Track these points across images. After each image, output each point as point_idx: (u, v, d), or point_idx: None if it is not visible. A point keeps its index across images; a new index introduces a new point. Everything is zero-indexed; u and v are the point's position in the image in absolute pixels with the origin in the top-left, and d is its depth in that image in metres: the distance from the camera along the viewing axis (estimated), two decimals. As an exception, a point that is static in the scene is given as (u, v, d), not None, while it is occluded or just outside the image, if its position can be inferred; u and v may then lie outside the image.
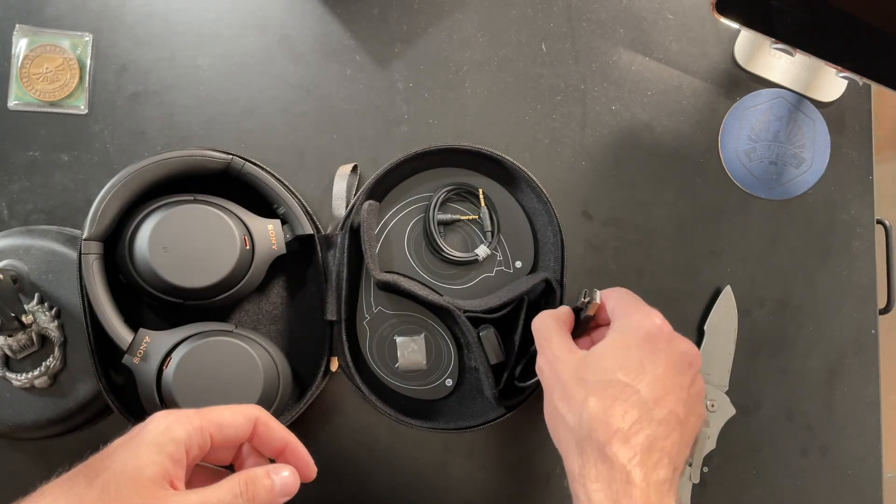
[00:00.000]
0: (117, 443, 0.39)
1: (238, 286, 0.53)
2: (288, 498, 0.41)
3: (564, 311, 0.52)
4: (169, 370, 0.49)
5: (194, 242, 0.50)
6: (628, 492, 0.38)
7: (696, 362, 0.46)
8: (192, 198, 0.52)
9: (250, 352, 0.51)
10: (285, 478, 0.41)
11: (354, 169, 0.62)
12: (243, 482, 0.39)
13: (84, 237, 0.50)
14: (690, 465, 0.64)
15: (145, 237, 0.50)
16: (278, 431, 0.43)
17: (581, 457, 0.41)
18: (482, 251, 0.61)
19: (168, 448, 0.37)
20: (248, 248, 0.53)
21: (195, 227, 0.50)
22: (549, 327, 0.49)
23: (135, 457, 0.37)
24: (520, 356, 0.57)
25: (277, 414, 0.53)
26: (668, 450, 0.41)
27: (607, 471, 0.39)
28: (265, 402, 0.51)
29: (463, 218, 0.62)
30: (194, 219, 0.51)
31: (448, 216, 0.61)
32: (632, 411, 0.41)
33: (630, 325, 0.46)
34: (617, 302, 0.49)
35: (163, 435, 0.38)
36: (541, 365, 0.48)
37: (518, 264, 0.62)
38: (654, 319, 0.46)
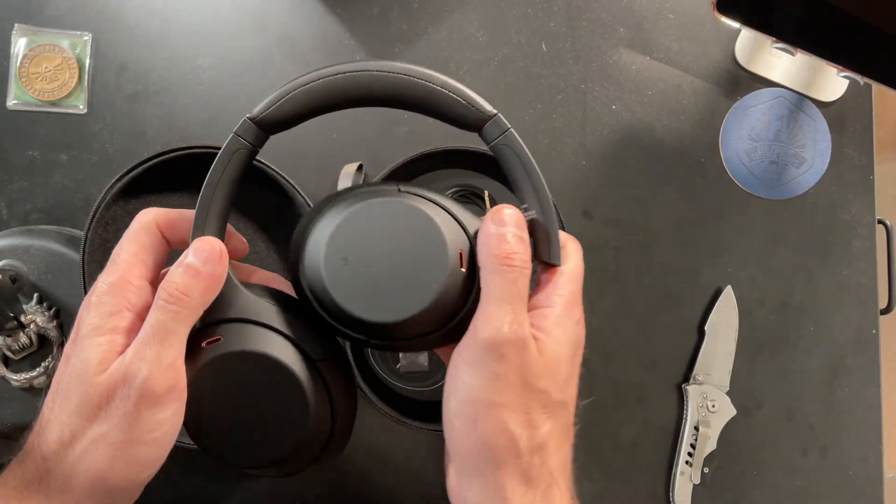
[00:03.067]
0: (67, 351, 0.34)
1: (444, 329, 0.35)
2: (221, 264, 0.34)
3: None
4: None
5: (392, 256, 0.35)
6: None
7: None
8: (395, 187, 0.36)
9: None
10: (202, 245, 0.33)
11: (360, 168, 0.62)
12: (161, 290, 0.32)
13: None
14: (691, 465, 0.64)
15: (323, 241, 0.35)
16: (183, 216, 0.36)
17: (523, 484, 0.32)
18: (483, 251, 0.61)
19: (108, 325, 0.32)
20: (462, 269, 0.34)
21: (396, 231, 0.35)
22: (524, 276, 0.33)
23: (78, 354, 0.33)
24: None
25: None
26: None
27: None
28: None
29: (466, 219, 0.61)
30: (395, 219, 0.35)
31: (451, 217, 0.61)
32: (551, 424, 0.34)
33: (570, 327, 0.35)
34: (568, 286, 0.35)
35: (98, 316, 0.33)
36: (512, 332, 0.31)
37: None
38: (582, 328, 0.36)
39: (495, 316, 0.31)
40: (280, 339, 0.34)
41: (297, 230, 0.36)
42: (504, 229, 0.33)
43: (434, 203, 0.35)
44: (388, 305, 0.34)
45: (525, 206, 0.35)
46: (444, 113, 0.35)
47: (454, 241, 0.34)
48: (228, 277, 0.34)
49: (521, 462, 0.32)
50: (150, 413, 0.31)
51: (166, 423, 0.32)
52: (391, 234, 0.34)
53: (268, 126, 0.35)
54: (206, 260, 0.33)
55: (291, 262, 0.37)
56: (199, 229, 0.34)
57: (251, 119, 0.35)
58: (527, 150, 0.34)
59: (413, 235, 0.34)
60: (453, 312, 0.34)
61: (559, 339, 0.33)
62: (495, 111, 0.34)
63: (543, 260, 0.34)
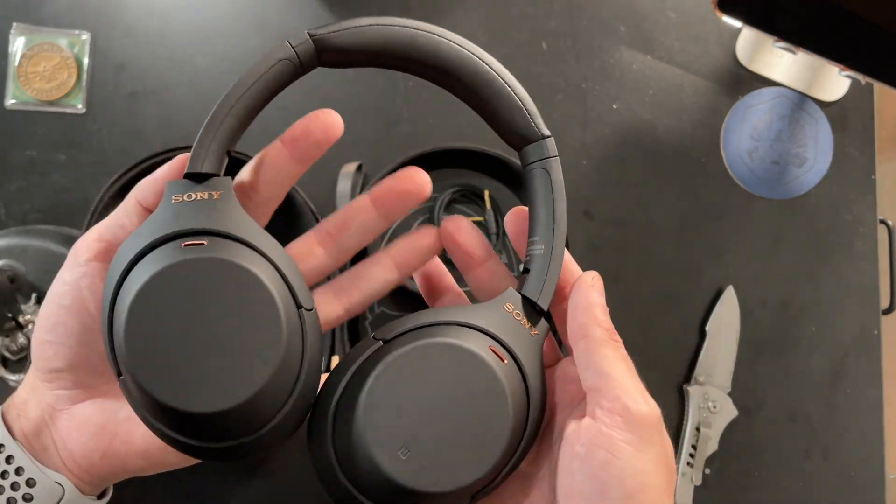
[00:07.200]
0: None
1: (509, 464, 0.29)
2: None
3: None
4: None
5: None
6: None
7: None
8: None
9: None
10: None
11: (359, 168, 0.61)
12: None
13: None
14: (692, 466, 0.64)
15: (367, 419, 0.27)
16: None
17: None
18: (483, 252, 0.61)
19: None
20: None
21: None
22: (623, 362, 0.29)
23: None
24: None
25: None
26: None
27: None
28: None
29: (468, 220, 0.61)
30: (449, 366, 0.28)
31: (451, 217, 0.61)
32: None
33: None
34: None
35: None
36: (657, 407, 0.28)
37: (523, 267, 0.62)
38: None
39: (637, 390, 0.28)
40: (272, 269, 0.27)
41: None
42: (602, 300, 0.30)
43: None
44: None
45: (535, 238, 0.31)
46: (497, 114, 0.32)
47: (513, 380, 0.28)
48: (230, 193, 0.29)
49: None
50: None
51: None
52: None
53: (323, 48, 0.30)
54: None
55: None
56: (208, 137, 0.29)
57: (311, 34, 0.30)
58: (563, 184, 0.31)
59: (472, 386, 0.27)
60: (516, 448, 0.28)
61: None
62: (550, 133, 0.31)
63: (529, 298, 0.30)
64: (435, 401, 0.27)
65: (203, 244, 0.27)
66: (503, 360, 0.28)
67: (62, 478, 0.30)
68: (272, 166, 0.32)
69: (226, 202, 0.28)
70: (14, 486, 0.30)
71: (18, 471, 0.30)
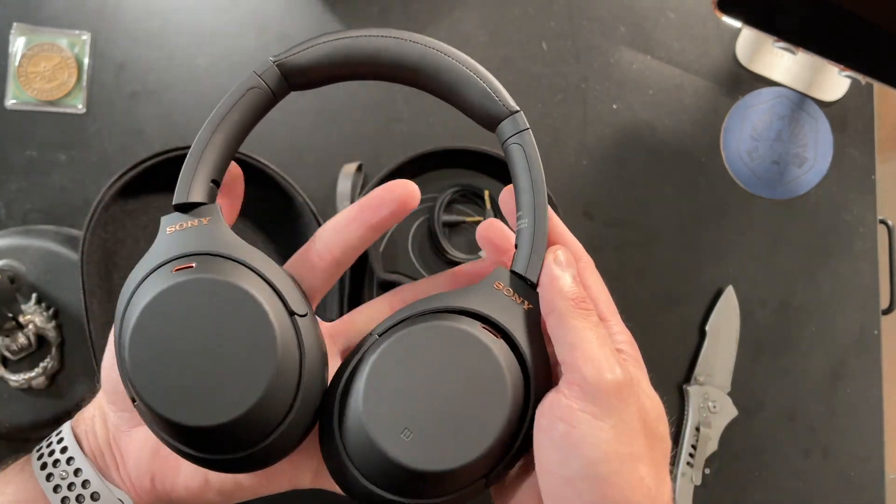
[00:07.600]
0: None
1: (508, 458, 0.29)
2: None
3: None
4: None
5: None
6: None
7: None
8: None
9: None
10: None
11: (359, 168, 0.61)
12: None
13: None
14: (692, 466, 0.64)
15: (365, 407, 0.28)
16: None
17: None
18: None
19: None
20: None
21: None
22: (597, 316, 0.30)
23: None
24: None
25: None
26: None
27: None
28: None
29: (468, 220, 0.61)
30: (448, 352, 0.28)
31: (453, 217, 0.61)
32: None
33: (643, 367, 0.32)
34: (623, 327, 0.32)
35: None
36: (625, 373, 0.27)
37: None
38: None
39: (601, 358, 0.27)
40: (260, 281, 0.29)
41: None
42: (569, 271, 0.29)
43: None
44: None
45: (520, 213, 0.31)
46: (466, 100, 0.31)
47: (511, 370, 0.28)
48: (217, 218, 0.30)
49: None
50: None
51: None
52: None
53: (289, 71, 0.31)
54: None
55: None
56: (189, 170, 0.30)
57: (274, 60, 0.31)
58: (538, 155, 0.31)
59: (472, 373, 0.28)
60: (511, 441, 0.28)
61: (646, 379, 0.29)
62: (518, 108, 0.31)
63: (518, 273, 0.30)
64: (431, 382, 0.28)
65: (192, 266, 0.28)
66: (497, 337, 0.29)
67: (124, 495, 0.31)
68: (346, 231, 0.32)
69: (214, 226, 0.30)
70: (79, 499, 0.31)
71: (85, 483, 0.31)
